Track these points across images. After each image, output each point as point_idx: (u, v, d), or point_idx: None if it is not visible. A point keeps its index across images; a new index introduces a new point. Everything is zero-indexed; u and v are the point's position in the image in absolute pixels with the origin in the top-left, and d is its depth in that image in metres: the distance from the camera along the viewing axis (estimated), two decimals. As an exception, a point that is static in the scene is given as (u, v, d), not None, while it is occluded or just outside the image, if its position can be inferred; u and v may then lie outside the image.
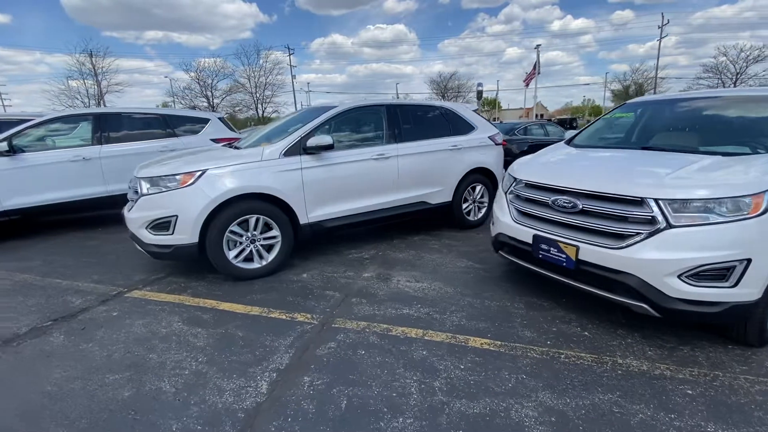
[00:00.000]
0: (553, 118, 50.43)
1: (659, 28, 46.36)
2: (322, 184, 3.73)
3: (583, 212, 2.52)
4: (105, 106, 36.16)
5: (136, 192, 3.46)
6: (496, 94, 54.80)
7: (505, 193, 3.15)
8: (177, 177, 3.19)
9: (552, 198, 2.69)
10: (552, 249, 2.64)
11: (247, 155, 3.47)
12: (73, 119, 5.24)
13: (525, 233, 2.83)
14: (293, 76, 46.39)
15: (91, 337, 2.59)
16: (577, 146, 3.52)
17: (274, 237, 3.56)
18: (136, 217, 3.25)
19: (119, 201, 5.28)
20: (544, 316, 2.82)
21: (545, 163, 3.18)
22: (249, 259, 3.48)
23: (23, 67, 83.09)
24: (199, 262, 3.59)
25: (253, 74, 39.45)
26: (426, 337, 2.55)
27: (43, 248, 4.57)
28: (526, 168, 3.14)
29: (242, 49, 51.35)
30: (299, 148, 3.63)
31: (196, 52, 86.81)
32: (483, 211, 5.15)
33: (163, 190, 3.19)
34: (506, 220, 3.03)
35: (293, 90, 46.04)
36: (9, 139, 4.69)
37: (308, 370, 2.22)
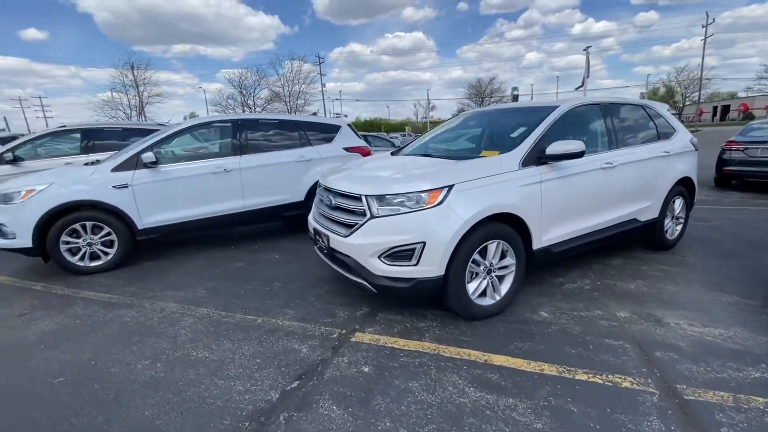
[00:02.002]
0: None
1: (703, 27, 44.60)
2: (556, 200, 3.04)
3: None
4: (145, 116, 36.96)
5: (339, 208, 2.89)
6: (531, 98, 53.44)
7: None
8: (422, 195, 2.55)
9: None
10: None
11: (480, 166, 2.81)
12: (211, 127, 4.74)
13: None
14: (323, 85, 46.58)
15: (375, 409, 1.95)
16: None
17: (506, 266, 2.90)
18: (364, 243, 2.62)
19: (254, 216, 4.81)
20: None
21: None
22: (481, 293, 2.83)
23: (59, 81, 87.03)
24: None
25: (287, 83, 39.62)
26: None
27: (191, 272, 4.04)
28: None
29: (277, 58, 51.48)
30: (534, 157, 2.96)
31: (221, 63, 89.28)
32: (679, 228, 4.37)
33: (404, 210, 2.56)
34: None
35: (323, 98, 46.20)
36: (152, 148, 4.21)
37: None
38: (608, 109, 3.64)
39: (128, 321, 2.96)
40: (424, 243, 2.51)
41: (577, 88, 29.09)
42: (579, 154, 2.91)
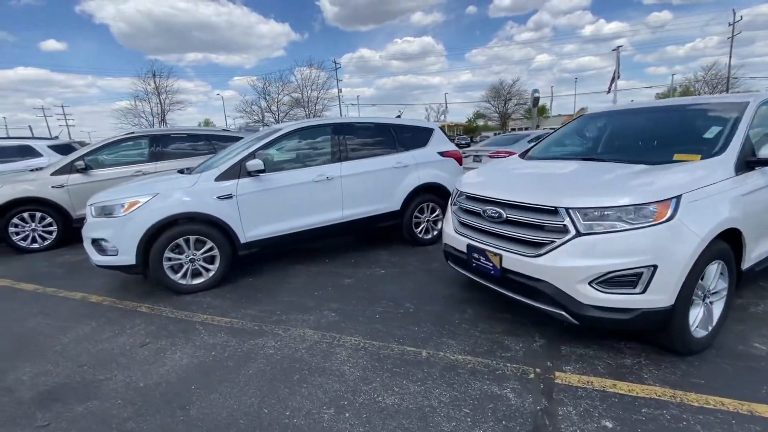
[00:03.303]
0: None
1: (730, 25, 43.53)
2: (765, 211, 2.60)
3: None
4: (166, 124, 37.24)
5: (514, 222, 2.49)
6: (551, 101, 52.58)
7: None
8: (649, 207, 2.13)
9: None
10: None
11: (694, 173, 2.37)
12: (309, 131, 4.36)
13: None
14: (339, 90, 46.52)
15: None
16: None
17: (718, 291, 2.45)
18: (569, 266, 2.20)
19: (352, 228, 4.45)
20: None
21: None
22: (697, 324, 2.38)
23: (77, 90, 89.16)
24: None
25: (305, 89, 39.61)
26: None
27: (300, 290, 3.64)
28: None
29: (295, 63, 51.38)
30: (744, 161, 2.52)
31: (233, 71, 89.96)
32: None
33: (623, 227, 2.13)
34: None
35: (339, 103, 46.09)
36: (254, 155, 3.86)
37: None
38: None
39: (272, 353, 2.58)
40: (655, 267, 2.08)
41: (609, 91, 28.43)
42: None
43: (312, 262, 4.44)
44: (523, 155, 3.75)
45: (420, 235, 4.84)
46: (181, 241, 3.54)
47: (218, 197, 3.65)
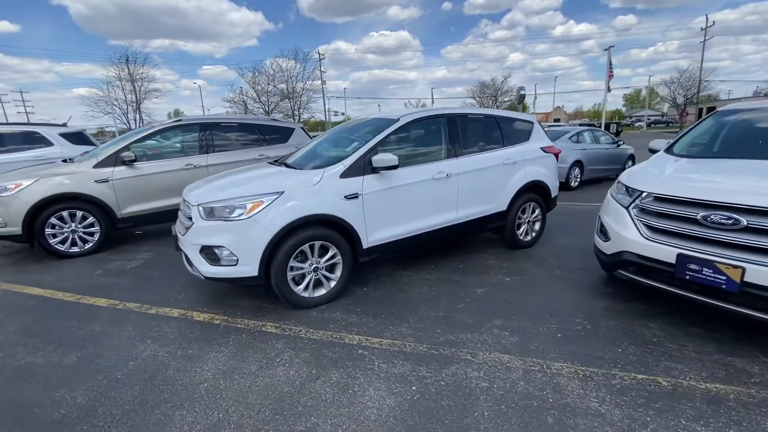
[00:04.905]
0: (570, 122, 48.66)
1: (702, 30, 45.78)
2: None
3: None
4: (141, 113, 35.04)
5: (750, 230, 2.20)
6: (535, 98, 53.57)
7: None
8: None
9: None
10: None
11: None
12: (425, 123, 3.84)
13: None
14: (323, 82, 45.32)
15: None
16: None
17: None
18: None
19: (462, 230, 4.06)
20: None
21: None
22: None
23: (32, 75, 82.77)
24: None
25: (290, 80, 38.19)
26: None
27: (431, 302, 3.20)
28: None
29: (281, 53, 48.90)
30: None
31: (202, 59, 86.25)
32: None
33: None
34: None
35: (323, 96, 44.93)
36: (376, 149, 3.37)
37: None
38: None
39: (487, 386, 2.16)
40: None
41: (609, 90, 28.94)
42: None
43: (420, 269, 4.00)
44: (668, 151, 3.49)
45: (521, 237, 4.51)
46: (306, 247, 3.03)
47: (345, 197, 3.15)
